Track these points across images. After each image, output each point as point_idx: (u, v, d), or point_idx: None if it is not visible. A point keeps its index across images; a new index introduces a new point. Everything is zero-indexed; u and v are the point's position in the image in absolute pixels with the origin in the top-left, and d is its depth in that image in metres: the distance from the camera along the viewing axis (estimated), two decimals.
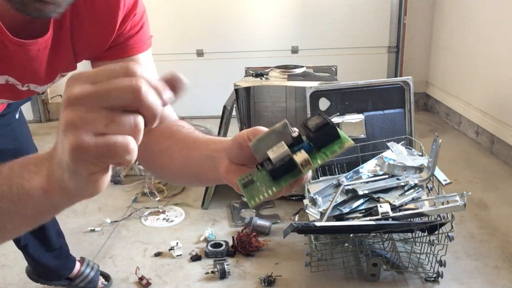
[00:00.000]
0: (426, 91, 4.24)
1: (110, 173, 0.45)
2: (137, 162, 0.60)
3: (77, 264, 1.83)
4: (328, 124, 0.47)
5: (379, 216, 1.73)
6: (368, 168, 2.06)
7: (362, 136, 2.34)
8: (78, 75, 0.41)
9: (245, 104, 2.80)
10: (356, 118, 2.34)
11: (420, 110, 4.21)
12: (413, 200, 1.83)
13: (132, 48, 0.89)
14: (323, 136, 0.47)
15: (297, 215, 2.31)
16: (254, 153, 0.51)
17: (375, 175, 1.99)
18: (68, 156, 0.41)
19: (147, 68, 0.77)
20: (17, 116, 1.52)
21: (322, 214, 1.80)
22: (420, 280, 1.86)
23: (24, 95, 0.89)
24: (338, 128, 0.47)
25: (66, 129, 0.40)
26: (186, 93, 0.41)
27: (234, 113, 2.61)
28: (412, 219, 1.82)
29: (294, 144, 0.48)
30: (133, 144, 0.41)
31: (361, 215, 1.81)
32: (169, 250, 2.10)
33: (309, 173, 0.52)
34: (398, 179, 1.91)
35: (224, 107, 2.50)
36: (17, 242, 1.66)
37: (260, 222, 2.23)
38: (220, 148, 0.65)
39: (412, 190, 1.87)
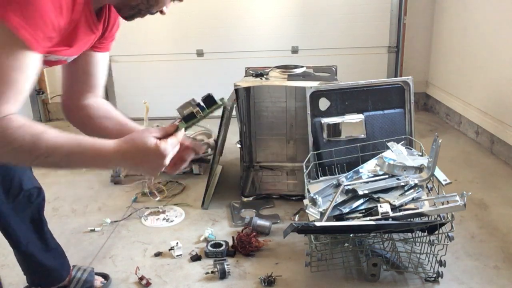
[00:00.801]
0: (426, 91, 4.24)
1: None
2: None
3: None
4: (210, 95, 1.14)
5: (379, 216, 1.73)
6: (368, 168, 2.06)
7: (362, 136, 2.34)
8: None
9: (245, 104, 2.80)
10: (356, 118, 2.34)
11: (420, 110, 4.22)
12: (413, 200, 1.84)
13: (103, 48, 1.30)
14: (207, 101, 1.13)
15: (297, 215, 2.31)
16: (178, 114, 1.11)
17: (375, 175, 1.99)
18: (156, 171, 1.04)
19: (104, 64, 1.32)
20: None
21: (322, 214, 1.80)
22: (420, 280, 1.86)
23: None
24: (214, 97, 1.14)
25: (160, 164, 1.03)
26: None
27: (234, 113, 2.61)
28: (412, 219, 1.82)
29: (197, 107, 1.12)
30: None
31: (361, 215, 1.81)
32: (169, 250, 2.10)
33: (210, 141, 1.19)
34: (398, 179, 1.91)
35: (224, 107, 2.50)
36: (18, 247, 1.64)
37: (260, 222, 2.23)
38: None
39: (412, 190, 1.87)
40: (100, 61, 1.28)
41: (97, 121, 1.23)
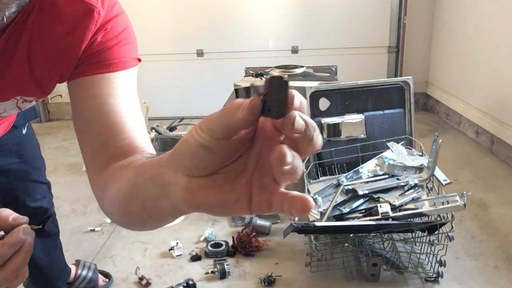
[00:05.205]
0: (426, 91, 4.24)
1: None
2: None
3: (73, 268, 1.82)
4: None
5: (379, 216, 1.73)
6: (368, 168, 2.05)
7: (362, 136, 2.34)
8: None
9: None
10: (356, 118, 2.34)
11: (420, 110, 4.21)
12: (413, 200, 1.83)
13: (106, 65, 0.76)
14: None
15: None
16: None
17: (375, 175, 1.99)
18: None
19: (125, 89, 0.78)
20: (24, 131, 1.49)
21: (322, 214, 1.80)
22: (420, 280, 1.86)
23: None
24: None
25: None
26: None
27: None
28: (412, 219, 1.82)
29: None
30: None
31: (361, 215, 1.81)
32: (169, 250, 2.10)
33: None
34: (398, 179, 1.91)
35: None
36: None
37: (260, 222, 2.23)
38: (164, 162, 0.47)
39: (412, 190, 1.87)
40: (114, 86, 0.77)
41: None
